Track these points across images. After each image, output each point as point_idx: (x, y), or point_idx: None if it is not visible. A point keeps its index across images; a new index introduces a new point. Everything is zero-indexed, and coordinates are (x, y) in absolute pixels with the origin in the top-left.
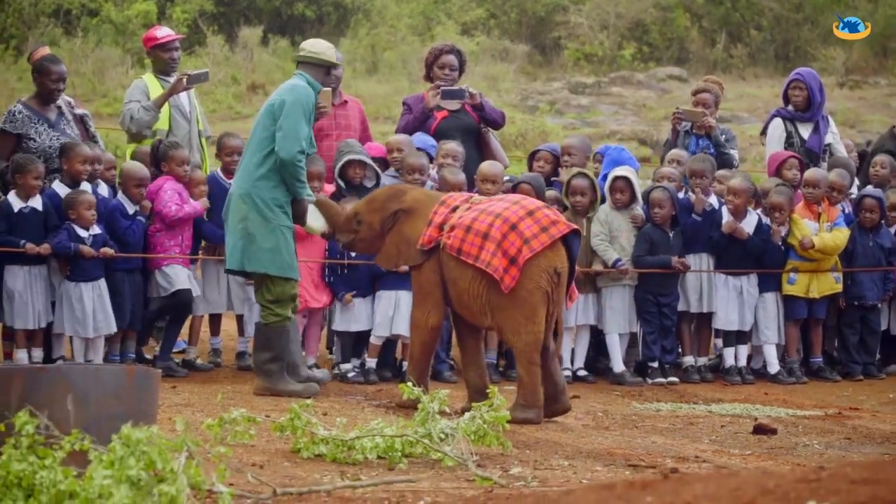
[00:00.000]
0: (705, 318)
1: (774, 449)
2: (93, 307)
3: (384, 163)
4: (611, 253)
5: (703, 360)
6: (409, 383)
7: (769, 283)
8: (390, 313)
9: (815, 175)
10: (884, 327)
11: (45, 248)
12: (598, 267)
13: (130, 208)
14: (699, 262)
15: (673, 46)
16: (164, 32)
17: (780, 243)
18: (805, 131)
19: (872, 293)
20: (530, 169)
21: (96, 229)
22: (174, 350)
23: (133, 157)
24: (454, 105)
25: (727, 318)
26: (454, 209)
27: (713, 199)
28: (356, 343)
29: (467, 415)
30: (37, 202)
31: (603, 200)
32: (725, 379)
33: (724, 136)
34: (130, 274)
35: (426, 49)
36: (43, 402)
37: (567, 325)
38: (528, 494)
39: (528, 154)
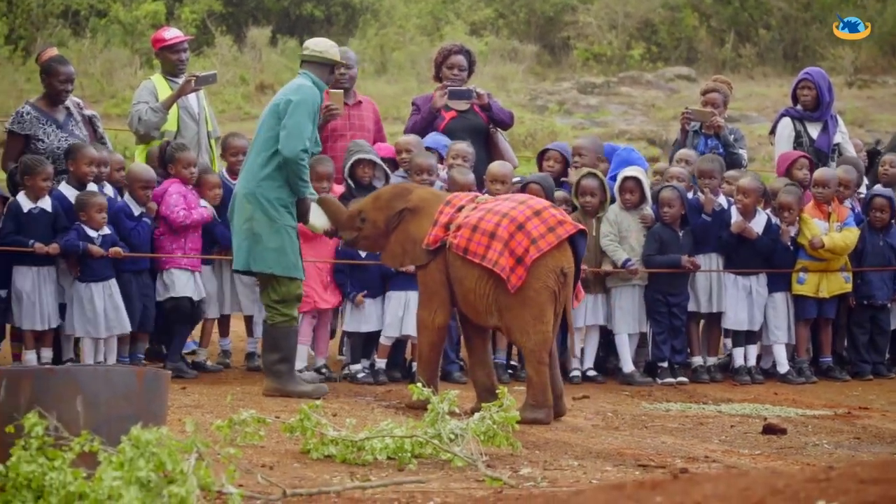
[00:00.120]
0: (715, 318)
1: (784, 449)
2: (104, 307)
3: (393, 163)
4: (620, 253)
5: (713, 360)
6: (419, 384)
7: (779, 282)
8: (400, 314)
9: (824, 175)
10: (893, 327)
11: (53, 247)
12: (607, 267)
13: (136, 210)
14: (709, 262)
15: (681, 46)
16: (172, 34)
17: (789, 243)
18: (814, 131)
19: (882, 293)
20: (540, 168)
21: (106, 230)
22: (184, 351)
23: (148, 158)
24: (463, 105)
25: (737, 317)
26: (460, 209)
27: (722, 199)
28: (366, 344)
29: (477, 415)
30: (46, 203)
31: (612, 201)
32: (735, 379)
33: (732, 136)
34: (138, 275)
35: (435, 49)
36: (52, 404)
37: (576, 325)
38: (538, 495)
39: (536, 154)
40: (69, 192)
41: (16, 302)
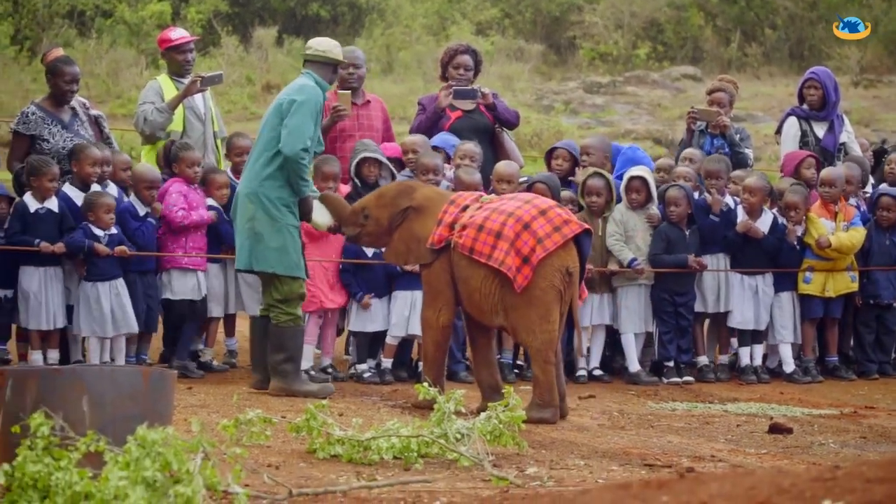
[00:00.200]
0: (721, 318)
1: (790, 448)
2: (110, 307)
3: (400, 163)
4: (626, 253)
5: (724, 359)
6: (425, 383)
7: (785, 282)
8: (406, 313)
9: (831, 174)
10: None
11: (59, 246)
12: (613, 267)
13: (141, 210)
14: (715, 262)
15: (687, 45)
16: (178, 34)
17: (795, 242)
18: (820, 130)
19: (888, 292)
20: (548, 166)
21: (113, 230)
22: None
23: (157, 158)
24: (468, 105)
25: (743, 317)
26: (464, 208)
27: (728, 199)
28: (372, 343)
29: (483, 415)
30: (52, 203)
31: (618, 200)
32: (741, 378)
33: (738, 136)
34: (143, 276)
35: (441, 49)
36: (58, 404)
37: (582, 324)
38: (544, 494)
39: (543, 154)
40: (73, 193)
41: (22, 302)
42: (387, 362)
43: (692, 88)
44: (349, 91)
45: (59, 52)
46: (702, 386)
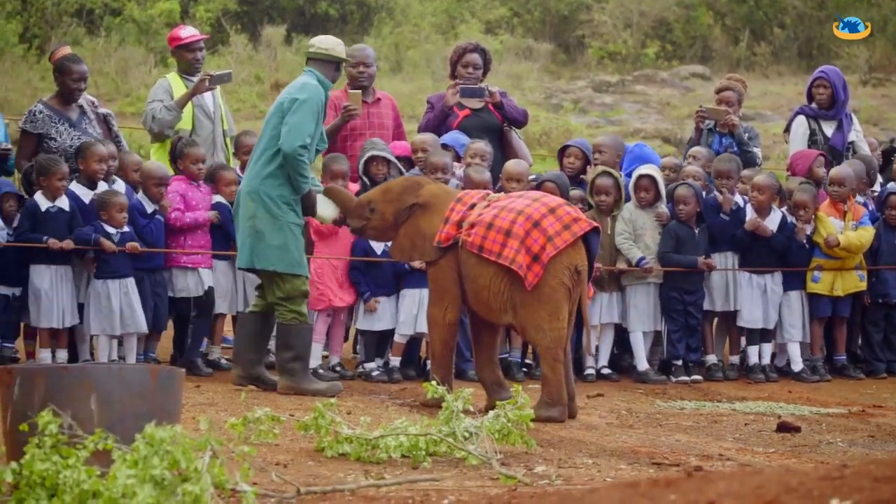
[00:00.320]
0: (730, 317)
1: (798, 447)
2: (119, 305)
3: (409, 162)
4: (635, 251)
5: (735, 359)
6: (434, 382)
7: (793, 281)
8: (414, 312)
9: (840, 173)
10: None
11: (67, 242)
12: (622, 265)
13: (149, 207)
14: (724, 261)
15: (696, 44)
16: (188, 32)
17: (804, 241)
18: (829, 129)
19: None
20: (560, 164)
21: (125, 228)
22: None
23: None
24: (476, 103)
25: (751, 316)
26: (471, 206)
27: (737, 198)
28: (380, 342)
29: (491, 413)
30: (63, 202)
31: (627, 199)
32: (749, 377)
33: (747, 135)
34: (151, 274)
35: (450, 48)
36: (66, 402)
37: (591, 323)
38: (553, 493)
39: (552, 152)
40: (80, 191)
41: (33, 300)
42: (395, 361)
43: (701, 87)
44: (360, 90)
45: (67, 50)
46: (710, 385)
